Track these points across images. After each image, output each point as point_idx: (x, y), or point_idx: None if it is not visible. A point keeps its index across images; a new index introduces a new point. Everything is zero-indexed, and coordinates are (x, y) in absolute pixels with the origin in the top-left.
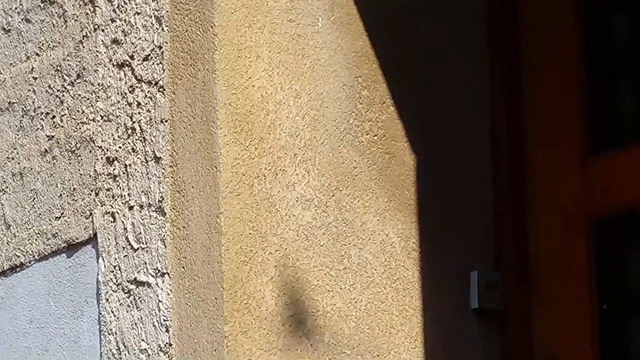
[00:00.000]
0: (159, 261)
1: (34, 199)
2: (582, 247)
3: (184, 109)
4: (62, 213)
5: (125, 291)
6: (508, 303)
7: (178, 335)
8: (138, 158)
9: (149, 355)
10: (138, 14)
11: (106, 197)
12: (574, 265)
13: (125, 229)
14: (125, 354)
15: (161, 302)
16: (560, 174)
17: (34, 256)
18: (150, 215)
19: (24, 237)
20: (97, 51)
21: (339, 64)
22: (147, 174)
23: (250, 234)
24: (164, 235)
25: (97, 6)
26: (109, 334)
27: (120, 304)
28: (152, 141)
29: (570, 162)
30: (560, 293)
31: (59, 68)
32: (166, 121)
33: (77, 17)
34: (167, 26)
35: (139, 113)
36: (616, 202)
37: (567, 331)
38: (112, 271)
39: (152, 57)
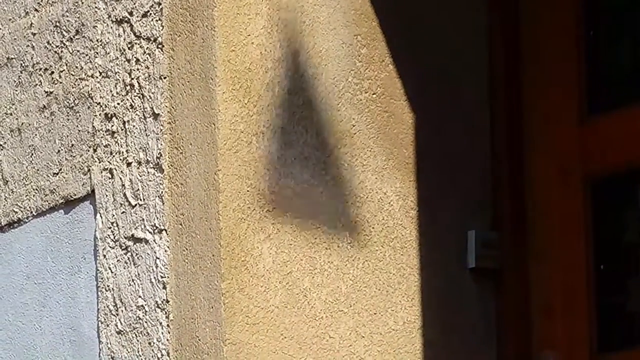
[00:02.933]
0: (157, 218)
1: (32, 154)
2: (580, 205)
3: (182, 65)
4: (60, 169)
5: (122, 248)
6: (505, 262)
7: (175, 292)
8: (136, 114)
9: (146, 311)
10: None
11: (104, 153)
12: (571, 223)
13: (123, 185)
14: (122, 310)
15: (158, 258)
16: (558, 133)
17: (31, 212)
18: (148, 172)
19: (22, 193)
20: (96, 7)
21: (338, 22)
22: (145, 130)
23: (248, 191)
24: (162, 192)
25: None
26: (106, 291)
27: (118, 260)
28: (150, 98)
29: (568, 122)
30: (557, 251)
31: (57, 24)
32: (165, 78)
33: None
34: None
35: (138, 69)
36: (613, 161)
37: (564, 288)
38: (110, 227)
39: (151, 14)
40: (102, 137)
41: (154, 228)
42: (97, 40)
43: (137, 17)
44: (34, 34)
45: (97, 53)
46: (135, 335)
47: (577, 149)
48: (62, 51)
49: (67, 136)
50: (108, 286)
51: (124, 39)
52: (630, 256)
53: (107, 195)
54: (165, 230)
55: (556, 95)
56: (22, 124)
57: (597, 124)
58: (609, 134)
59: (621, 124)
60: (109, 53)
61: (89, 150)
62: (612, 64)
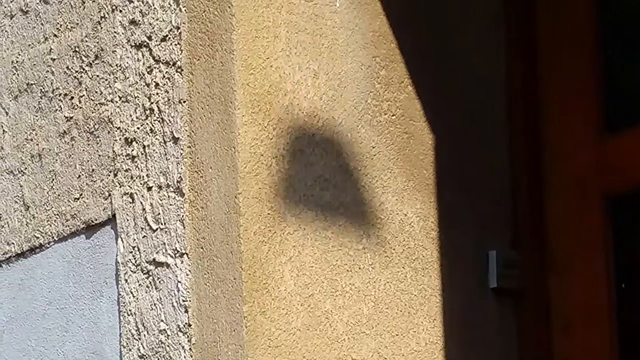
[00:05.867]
0: (178, 242)
1: (53, 180)
2: (600, 222)
3: (202, 89)
4: (81, 194)
5: (144, 272)
6: (526, 281)
7: (197, 316)
8: (156, 139)
9: (168, 335)
10: None
11: (125, 178)
12: (591, 241)
13: (144, 209)
14: (144, 335)
15: (180, 282)
16: (577, 150)
17: (53, 237)
18: (168, 196)
19: (43, 218)
20: (115, 32)
21: (356, 44)
22: (166, 154)
23: (268, 214)
24: (183, 216)
25: None
26: (128, 315)
27: (140, 284)
28: (170, 122)
29: (587, 139)
30: (577, 268)
31: (77, 49)
32: (184, 102)
33: None
34: (184, 6)
35: (157, 94)
36: (633, 178)
37: (584, 305)
38: (131, 252)
39: (169, 38)
40: (122, 161)
41: (175, 252)
42: (116, 65)
43: (156, 41)
44: (53, 60)
45: (117, 78)
46: (158, 359)
47: (596, 165)
48: (81, 76)
49: (88, 161)
50: (130, 310)
51: (143, 64)
52: None
53: (128, 220)
54: (187, 254)
55: (574, 113)
56: (43, 149)
57: (616, 140)
58: (628, 150)
59: (639, 143)
60: (128, 78)
61: (109, 175)
62: (631, 79)
